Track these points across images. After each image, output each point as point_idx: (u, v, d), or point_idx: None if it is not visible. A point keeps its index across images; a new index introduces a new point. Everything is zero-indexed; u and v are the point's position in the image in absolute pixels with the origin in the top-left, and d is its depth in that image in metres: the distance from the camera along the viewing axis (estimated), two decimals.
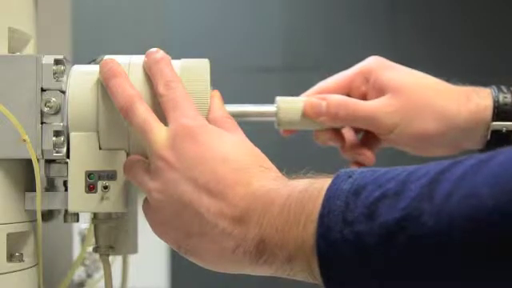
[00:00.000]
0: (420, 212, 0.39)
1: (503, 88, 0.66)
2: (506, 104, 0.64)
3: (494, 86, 0.66)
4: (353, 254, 0.41)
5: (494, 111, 0.64)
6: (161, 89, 0.53)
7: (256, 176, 0.49)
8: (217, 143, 0.50)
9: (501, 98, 0.65)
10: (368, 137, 0.70)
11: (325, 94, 0.67)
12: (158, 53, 0.56)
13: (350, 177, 0.44)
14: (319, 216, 0.43)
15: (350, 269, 0.41)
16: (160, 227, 0.52)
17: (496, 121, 0.64)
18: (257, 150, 0.52)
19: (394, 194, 0.41)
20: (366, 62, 0.69)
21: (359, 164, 0.70)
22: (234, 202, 0.48)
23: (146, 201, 0.53)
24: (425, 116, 0.65)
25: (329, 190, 0.44)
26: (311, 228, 0.44)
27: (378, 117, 0.65)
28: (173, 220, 0.50)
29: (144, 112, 0.53)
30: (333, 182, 0.44)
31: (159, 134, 0.51)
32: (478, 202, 0.37)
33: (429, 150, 0.67)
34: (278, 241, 0.45)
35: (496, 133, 0.65)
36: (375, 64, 0.68)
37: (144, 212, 0.54)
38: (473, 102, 0.65)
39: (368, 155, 0.69)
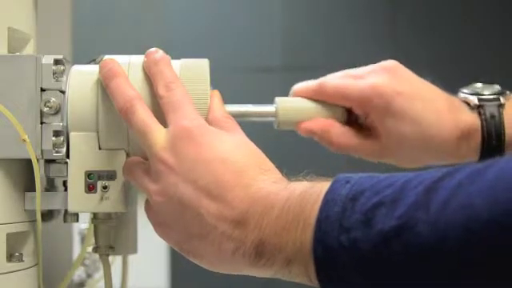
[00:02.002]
0: (416, 221, 0.39)
1: (495, 114, 0.63)
2: (494, 149, 0.63)
3: (486, 119, 0.63)
4: (349, 260, 0.41)
5: (481, 154, 0.63)
6: (160, 90, 0.53)
7: (255, 178, 0.49)
8: (216, 144, 0.50)
9: (491, 129, 0.63)
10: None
11: (323, 120, 0.65)
12: (157, 53, 0.56)
13: (348, 182, 0.44)
14: (317, 221, 0.43)
15: (345, 275, 0.41)
16: (161, 228, 0.52)
17: (483, 157, 0.63)
18: (257, 151, 0.52)
19: (391, 201, 0.40)
20: (369, 94, 0.63)
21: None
22: (234, 205, 0.47)
23: (147, 201, 0.53)
24: (404, 161, 0.66)
25: (327, 194, 0.44)
26: (309, 232, 0.44)
27: (359, 154, 0.66)
28: (173, 222, 0.50)
29: (143, 113, 0.53)
30: (331, 187, 0.44)
31: (158, 135, 0.51)
32: (473, 212, 0.37)
33: None
34: (276, 244, 0.45)
35: None
36: (378, 103, 0.63)
37: (146, 212, 0.54)
38: (461, 151, 0.64)
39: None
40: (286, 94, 0.69)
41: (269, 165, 0.51)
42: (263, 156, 0.52)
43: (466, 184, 0.38)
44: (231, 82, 1.45)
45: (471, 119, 0.64)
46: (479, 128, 0.64)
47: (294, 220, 0.45)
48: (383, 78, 0.64)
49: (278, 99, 0.66)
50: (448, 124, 0.63)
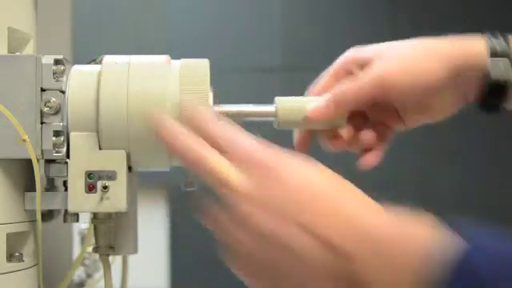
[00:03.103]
0: None
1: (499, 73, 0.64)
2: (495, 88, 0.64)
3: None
4: None
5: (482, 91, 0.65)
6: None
7: (357, 213, 0.45)
8: (303, 180, 0.46)
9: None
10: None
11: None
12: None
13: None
14: None
15: None
16: (254, 279, 0.48)
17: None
18: (344, 181, 0.47)
19: None
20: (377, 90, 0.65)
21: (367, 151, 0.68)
22: (341, 249, 0.43)
23: (229, 252, 0.48)
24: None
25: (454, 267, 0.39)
26: None
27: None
28: (269, 270, 0.46)
29: (213, 161, 0.47)
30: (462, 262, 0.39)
31: (236, 180, 0.47)
32: None
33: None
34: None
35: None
36: (377, 88, 0.66)
37: (230, 265, 0.48)
38: (458, 86, 0.65)
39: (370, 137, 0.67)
40: (285, 93, 0.69)
41: (361, 194, 0.47)
42: (352, 185, 0.47)
43: None
44: (231, 82, 1.45)
45: (478, 46, 0.66)
46: (480, 57, 0.65)
47: (405, 269, 0.41)
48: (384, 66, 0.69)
49: (277, 99, 0.66)
50: (436, 62, 0.67)
